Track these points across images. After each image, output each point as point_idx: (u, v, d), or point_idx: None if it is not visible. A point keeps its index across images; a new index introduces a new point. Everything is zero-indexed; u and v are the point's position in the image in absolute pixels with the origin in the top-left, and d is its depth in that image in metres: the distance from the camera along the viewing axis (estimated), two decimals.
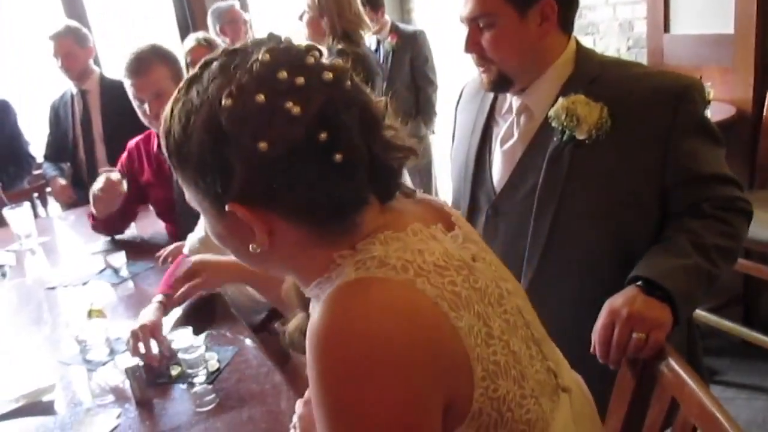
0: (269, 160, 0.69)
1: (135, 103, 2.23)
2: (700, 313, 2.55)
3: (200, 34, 3.19)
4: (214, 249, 1.78)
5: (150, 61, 2.16)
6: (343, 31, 2.78)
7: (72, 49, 3.16)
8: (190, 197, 0.81)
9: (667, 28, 3.00)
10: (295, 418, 1.05)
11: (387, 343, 0.68)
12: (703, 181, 1.29)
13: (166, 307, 1.65)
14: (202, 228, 1.82)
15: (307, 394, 1.06)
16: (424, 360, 0.69)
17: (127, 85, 2.19)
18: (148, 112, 2.19)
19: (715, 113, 2.57)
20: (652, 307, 1.16)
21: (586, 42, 2.83)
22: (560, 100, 1.32)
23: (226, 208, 0.73)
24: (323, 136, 0.69)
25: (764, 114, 2.61)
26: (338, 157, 0.70)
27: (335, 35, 2.78)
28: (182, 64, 2.43)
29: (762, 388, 2.35)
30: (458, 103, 1.68)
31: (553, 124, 1.32)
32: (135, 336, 1.51)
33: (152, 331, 1.53)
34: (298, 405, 1.05)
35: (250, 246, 0.76)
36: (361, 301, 0.71)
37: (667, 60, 2.99)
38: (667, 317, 1.16)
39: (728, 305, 2.68)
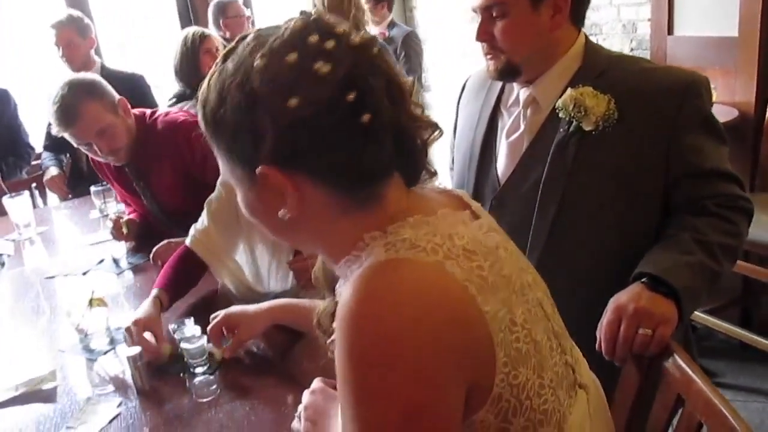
0: (299, 119, 0.71)
1: (83, 149, 2.13)
2: (699, 315, 2.55)
3: (196, 29, 3.19)
4: (215, 239, 1.79)
5: (77, 106, 1.99)
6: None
7: (73, 39, 3.13)
8: (225, 170, 0.82)
9: (670, 30, 3.00)
10: (300, 407, 1.05)
11: (415, 324, 0.68)
12: (706, 177, 1.29)
13: (163, 303, 1.63)
14: (203, 219, 1.82)
15: (314, 383, 1.06)
16: (451, 343, 0.70)
17: (65, 135, 2.05)
18: (99, 152, 2.08)
19: (717, 115, 2.51)
20: (658, 304, 1.16)
21: None
22: (568, 90, 1.33)
23: (258, 171, 0.74)
24: (351, 96, 0.71)
25: (767, 117, 2.62)
26: (365, 118, 0.71)
27: None
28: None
29: (760, 390, 2.35)
30: (461, 96, 1.68)
31: (561, 115, 1.33)
32: (129, 332, 1.51)
33: (146, 324, 1.52)
34: (305, 395, 1.05)
35: (280, 212, 0.76)
36: (391, 281, 0.71)
37: (670, 62, 2.99)
38: (673, 313, 1.16)
39: (727, 307, 2.68)
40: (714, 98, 2.62)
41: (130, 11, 4.71)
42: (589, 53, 1.39)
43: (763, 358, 2.41)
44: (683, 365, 1.08)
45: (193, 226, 1.82)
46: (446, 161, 1.75)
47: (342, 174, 0.75)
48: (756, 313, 2.73)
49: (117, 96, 2.11)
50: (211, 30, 3.43)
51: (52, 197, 3.38)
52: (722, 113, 2.65)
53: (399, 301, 0.69)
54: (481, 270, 0.75)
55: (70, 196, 3.19)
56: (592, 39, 1.45)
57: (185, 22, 4.40)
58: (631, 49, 3.27)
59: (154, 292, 1.65)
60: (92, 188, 2.67)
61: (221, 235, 1.81)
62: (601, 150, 1.31)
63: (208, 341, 1.47)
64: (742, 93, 2.68)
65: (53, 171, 3.21)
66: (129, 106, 2.14)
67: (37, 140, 3.52)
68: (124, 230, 2.22)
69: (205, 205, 1.84)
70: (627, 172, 1.30)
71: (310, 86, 0.70)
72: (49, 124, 3.33)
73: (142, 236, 2.28)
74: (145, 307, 1.58)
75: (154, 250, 2.06)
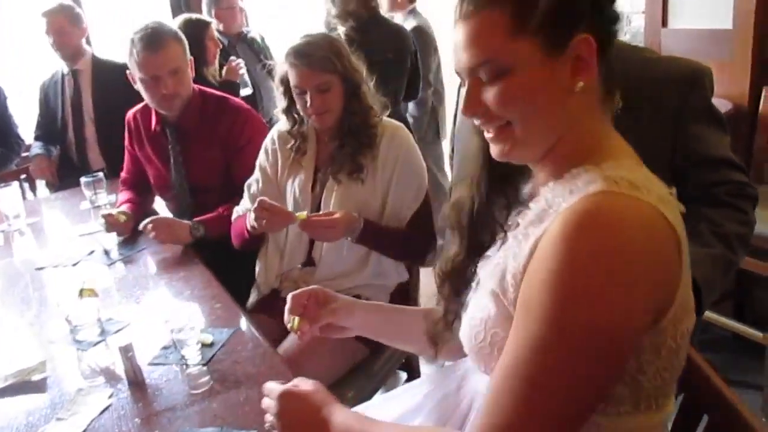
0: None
1: (142, 83, 2.16)
2: None
3: (197, 16, 3.23)
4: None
5: (166, 38, 2.13)
6: None
7: (65, 28, 3.10)
8: (504, 51, 0.84)
9: (665, 23, 2.99)
10: (270, 417, 1.04)
11: (634, 250, 0.76)
12: (713, 164, 1.31)
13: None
14: (245, 202, 2.02)
15: (272, 389, 1.04)
16: (657, 277, 0.78)
17: (139, 61, 2.11)
18: (164, 90, 2.14)
19: None
20: None
21: None
22: None
23: (579, 38, 0.82)
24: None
25: (761, 109, 2.62)
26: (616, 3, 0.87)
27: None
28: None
29: (754, 383, 2.36)
30: (461, 86, 1.65)
31: None
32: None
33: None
34: (270, 403, 1.04)
35: (577, 85, 0.84)
36: (618, 208, 0.78)
37: (664, 54, 2.98)
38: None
39: (721, 300, 2.68)
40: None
41: (122, 1, 4.66)
42: None
43: (757, 350, 2.41)
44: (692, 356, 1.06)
45: (236, 209, 2.04)
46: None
47: (609, 54, 0.87)
48: (750, 305, 2.73)
49: (190, 55, 2.25)
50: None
51: (42, 189, 3.35)
52: (717, 105, 2.64)
53: (623, 226, 0.76)
54: (680, 219, 0.83)
55: (57, 183, 3.18)
56: None
57: (176, 8, 4.36)
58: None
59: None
60: (82, 179, 2.63)
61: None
62: None
63: (201, 331, 1.45)
64: (736, 85, 2.68)
65: (41, 159, 3.18)
66: (194, 68, 2.29)
67: (27, 132, 3.48)
68: (123, 219, 2.19)
69: (245, 188, 2.04)
70: None
71: None
72: (40, 114, 3.35)
73: (132, 228, 2.25)
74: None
75: (147, 221, 2.09)
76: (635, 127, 1.26)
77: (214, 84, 3.20)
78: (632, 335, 0.78)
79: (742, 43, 2.65)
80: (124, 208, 2.31)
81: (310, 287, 1.24)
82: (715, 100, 2.63)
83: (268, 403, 1.05)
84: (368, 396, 1.82)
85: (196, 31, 3.12)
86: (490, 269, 0.93)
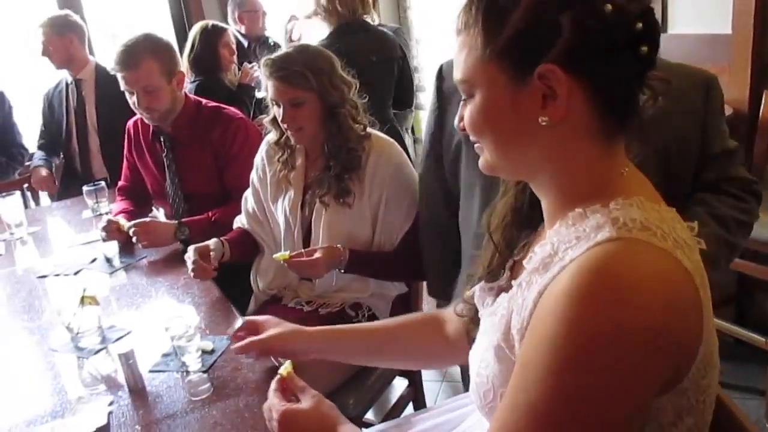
0: (602, 24, 0.74)
1: (126, 92, 2.24)
2: None
3: (214, 22, 3.31)
4: (256, 229, 2.02)
5: (140, 56, 2.15)
6: None
7: (49, 38, 3.12)
8: (466, 69, 0.83)
9: (664, 28, 3.00)
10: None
11: (647, 314, 0.69)
12: (728, 156, 1.45)
13: (225, 248, 1.93)
14: (244, 215, 2.05)
15: (273, 410, 1.04)
16: (677, 335, 0.71)
17: (118, 76, 2.19)
18: (137, 103, 2.20)
19: None
20: None
21: None
22: None
23: (540, 68, 0.76)
24: (640, 25, 0.76)
25: (760, 114, 2.62)
26: (644, 49, 0.77)
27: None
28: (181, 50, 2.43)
29: (755, 387, 2.35)
30: (442, 84, 1.65)
31: None
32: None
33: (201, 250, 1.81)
34: (273, 410, 1.04)
35: (542, 118, 0.78)
36: (629, 262, 0.71)
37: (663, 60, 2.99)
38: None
39: (721, 304, 2.68)
40: None
41: (122, 7, 4.68)
42: None
43: (758, 355, 2.40)
44: None
45: (237, 218, 2.08)
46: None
47: (607, 93, 0.78)
48: (751, 310, 2.73)
49: (180, 68, 2.28)
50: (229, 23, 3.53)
51: (44, 198, 3.36)
52: None
53: (639, 286, 0.69)
54: (699, 264, 0.77)
55: (58, 190, 3.21)
56: None
57: (177, 18, 4.39)
58: None
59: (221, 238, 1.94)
60: (85, 188, 2.65)
61: (258, 227, 2.03)
62: (646, 134, 1.37)
63: (201, 338, 1.46)
64: (736, 90, 2.68)
65: (41, 171, 3.20)
66: (184, 81, 2.32)
67: (30, 141, 3.50)
68: (122, 223, 2.21)
69: (242, 201, 2.07)
70: (667, 156, 1.38)
71: (622, 2, 0.75)
72: (43, 124, 3.36)
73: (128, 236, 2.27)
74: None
75: (138, 223, 2.15)
76: (669, 124, 1.33)
77: (230, 88, 3.25)
78: (644, 404, 0.73)
79: (741, 47, 2.65)
80: (120, 218, 2.33)
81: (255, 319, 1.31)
82: None
83: (272, 424, 1.04)
84: (369, 402, 1.82)
85: (210, 37, 3.18)
86: (495, 321, 0.89)
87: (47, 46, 3.12)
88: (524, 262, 0.85)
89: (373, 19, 3.06)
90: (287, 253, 1.75)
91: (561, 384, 0.70)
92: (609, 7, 0.74)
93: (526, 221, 0.97)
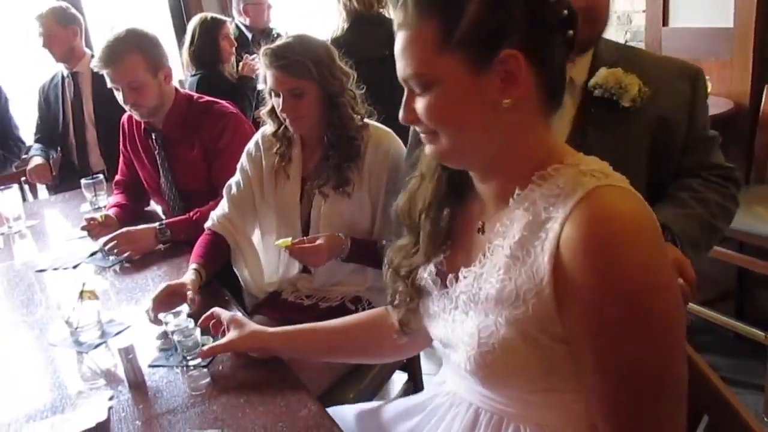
0: (547, 11, 0.84)
1: (114, 91, 2.21)
2: (693, 307, 2.55)
3: (213, 15, 3.31)
4: (236, 223, 1.93)
5: (122, 52, 2.11)
6: None
7: (53, 30, 3.11)
8: (419, 61, 0.86)
9: (665, 22, 2.99)
10: None
11: (657, 240, 0.83)
12: (711, 141, 1.51)
13: (201, 275, 1.76)
14: (223, 204, 1.95)
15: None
16: None
17: (103, 72, 2.15)
18: (124, 100, 2.17)
19: (712, 107, 2.54)
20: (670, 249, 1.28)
21: None
22: (602, 70, 1.41)
23: (504, 53, 0.82)
24: (565, 12, 0.86)
25: (762, 108, 2.61)
26: (570, 33, 0.87)
27: None
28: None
29: (754, 382, 2.36)
30: None
31: (596, 93, 1.41)
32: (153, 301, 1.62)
33: (175, 290, 1.65)
34: None
35: (505, 100, 0.84)
36: (620, 198, 0.82)
37: (665, 53, 2.98)
38: (682, 255, 1.27)
39: (721, 299, 2.69)
40: (709, 90, 2.63)
41: (123, 2, 4.67)
42: (598, 45, 1.48)
43: (758, 349, 2.40)
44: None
45: (212, 213, 1.96)
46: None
47: (552, 71, 0.87)
48: (751, 305, 2.73)
49: (166, 63, 2.23)
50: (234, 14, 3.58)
51: (42, 191, 3.35)
52: (717, 104, 2.65)
53: (638, 209, 0.82)
54: None
55: (56, 182, 3.20)
56: None
57: (176, 12, 4.37)
58: (626, 41, 3.26)
59: (193, 266, 1.77)
60: (83, 181, 2.64)
61: (240, 220, 1.94)
62: (638, 126, 1.43)
63: (203, 333, 1.45)
64: (737, 84, 2.68)
65: (37, 160, 3.19)
66: (172, 76, 2.26)
67: (28, 134, 3.49)
68: (100, 219, 2.21)
69: (224, 190, 1.98)
70: (656, 136, 1.43)
71: None
72: (39, 117, 3.35)
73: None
74: (184, 277, 1.72)
75: (115, 236, 2.08)
76: (659, 114, 1.42)
77: (230, 80, 3.24)
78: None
79: (742, 41, 2.65)
80: (111, 212, 2.32)
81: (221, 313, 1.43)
82: (715, 99, 2.68)
83: None
84: (369, 397, 1.82)
85: (210, 30, 3.17)
86: (483, 294, 0.92)
87: (49, 38, 3.10)
88: (492, 234, 0.92)
89: (389, 13, 3.05)
90: (289, 239, 1.74)
91: (658, 310, 0.80)
92: None
93: (446, 202, 1.03)
